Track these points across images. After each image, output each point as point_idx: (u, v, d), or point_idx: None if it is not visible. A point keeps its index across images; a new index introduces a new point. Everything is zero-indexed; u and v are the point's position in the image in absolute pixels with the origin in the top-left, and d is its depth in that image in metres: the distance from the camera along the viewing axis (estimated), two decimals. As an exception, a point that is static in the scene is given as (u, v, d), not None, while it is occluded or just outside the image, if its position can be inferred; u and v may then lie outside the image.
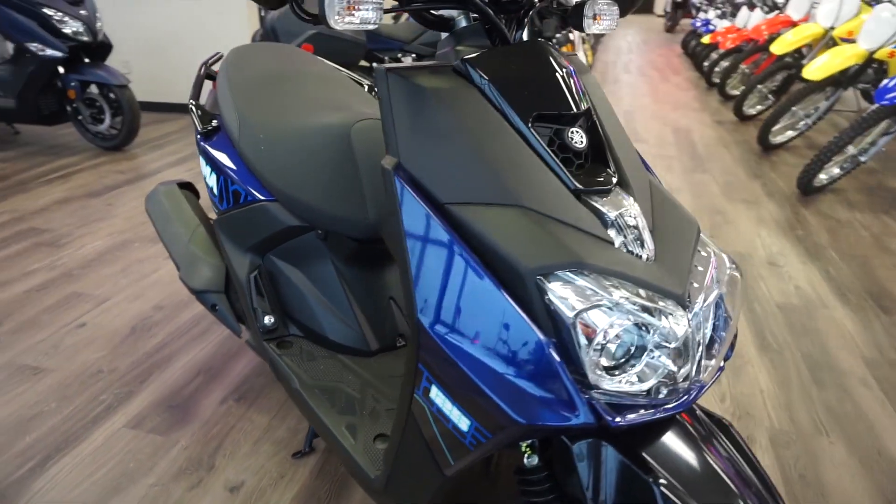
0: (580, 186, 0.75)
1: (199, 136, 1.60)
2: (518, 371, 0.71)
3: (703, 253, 0.79)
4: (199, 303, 1.87)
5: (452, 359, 0.74)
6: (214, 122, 1.56)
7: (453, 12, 0.87)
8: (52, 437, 1.67)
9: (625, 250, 0.74)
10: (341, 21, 0.75)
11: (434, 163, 0.76)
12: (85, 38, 3.87)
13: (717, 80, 7.23)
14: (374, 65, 1.30)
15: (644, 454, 0.74)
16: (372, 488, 1.05)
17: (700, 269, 0.77)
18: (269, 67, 1.54)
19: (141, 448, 1.63)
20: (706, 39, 7.85)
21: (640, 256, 0.74)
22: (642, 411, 0.72)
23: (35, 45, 3.77)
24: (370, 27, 0.78)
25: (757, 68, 6.16)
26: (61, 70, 3.91)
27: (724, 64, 7.08)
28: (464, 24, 0.86)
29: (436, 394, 0.81)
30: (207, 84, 5.27)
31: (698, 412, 0.83)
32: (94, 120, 4.12)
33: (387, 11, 0.80)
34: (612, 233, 0.75)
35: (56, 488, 1.50)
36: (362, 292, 1.43)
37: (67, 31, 3.80)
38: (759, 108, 5.59)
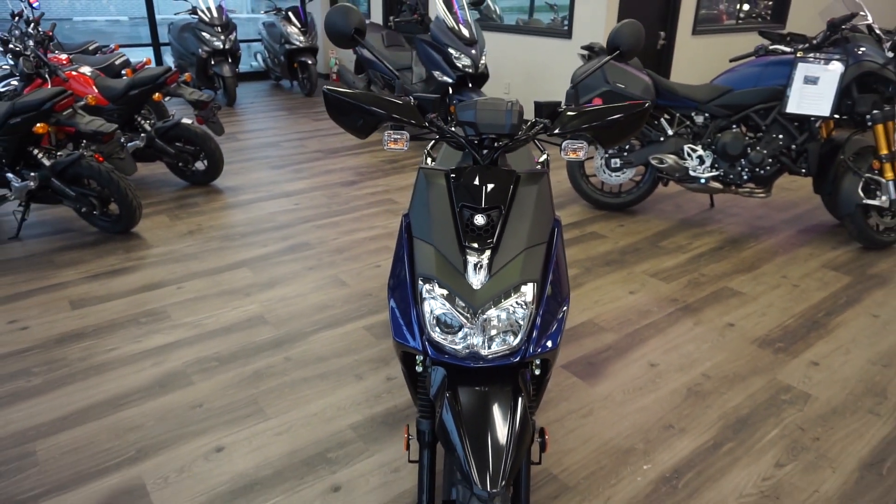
0: (464, 244, 1.40)
1: None
2: (402, 312, 1.43)
3: (514, 293, 1.35)
4: None
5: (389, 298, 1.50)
6: None
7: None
8: (328, 319, 2.87)
9: (465, 279, 1.36)
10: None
11: (416, 216, 1.50)
12: (469, 70, 5.25)
13: None
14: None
15: (458, 386, 1.36)
16: None
17: (503, 299, 1.34)
18: None
19: (360, 341, 2.70)
20: None
21: (472, 284, 1.35)
22: (447, 357, 1.36)
23: (437, 72, 5.31)
24: None
25: None
26: (450, 91, 5.39)
27: None
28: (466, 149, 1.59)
29: None
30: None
31: (520, 409, 1.31)
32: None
33: (422, 138, 1.57)
34: (470, 269, 1.37)
35: (313, 344, 2.67)
36: None
37: (459, 64, 5.23)
38: None
